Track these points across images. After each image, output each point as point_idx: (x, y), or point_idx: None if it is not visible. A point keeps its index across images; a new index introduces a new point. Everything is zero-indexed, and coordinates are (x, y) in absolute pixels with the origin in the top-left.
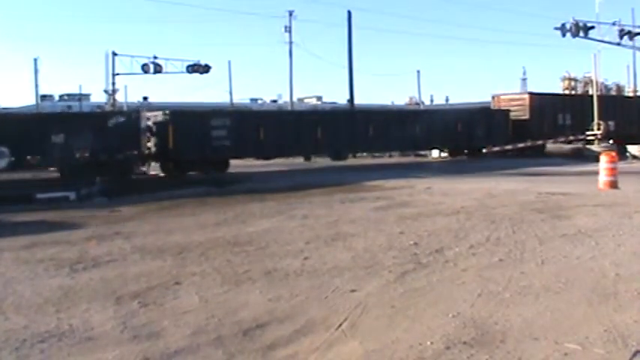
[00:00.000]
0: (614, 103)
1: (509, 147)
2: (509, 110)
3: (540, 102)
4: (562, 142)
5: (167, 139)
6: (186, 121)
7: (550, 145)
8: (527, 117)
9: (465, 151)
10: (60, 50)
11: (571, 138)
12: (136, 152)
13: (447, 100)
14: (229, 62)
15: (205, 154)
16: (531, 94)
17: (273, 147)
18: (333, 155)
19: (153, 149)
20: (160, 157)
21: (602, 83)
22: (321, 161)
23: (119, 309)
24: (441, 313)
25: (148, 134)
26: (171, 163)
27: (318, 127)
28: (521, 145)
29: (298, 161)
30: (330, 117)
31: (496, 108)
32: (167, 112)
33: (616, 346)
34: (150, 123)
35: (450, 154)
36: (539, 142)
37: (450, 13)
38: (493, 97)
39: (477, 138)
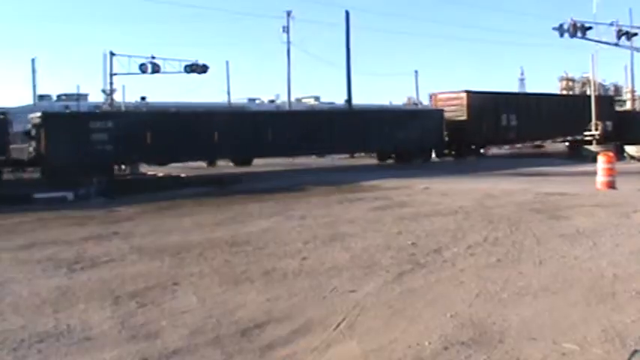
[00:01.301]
0: (549, 102)
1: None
2: (442, 110)
3: (480, 101)
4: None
5: (40, 143)
6: (62, 124)
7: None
8: (464, 117)
9: (392, 155)
10: (58, 50)
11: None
12: (3, 158)
13: None
14: (227, 62)
15: (84, 160)
16: (469, 92)
17: (163, 152)
18: (234, 159)
19: (33, 154)
20: (38, 162)
21: (600, 83)
22: (223, 164)
23: (117, 309)
24: (438, 313)
25: (28, 138)
26: (47, 169)
27: (215, 130)
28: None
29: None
30: (231, 118)
31: (433, 108)
32: (41, 114)
33: (614, 346)
34: (30, 126)
35: (379, 159)
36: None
37: (448, 13)
38: (431, 97)
39: (405, 141)
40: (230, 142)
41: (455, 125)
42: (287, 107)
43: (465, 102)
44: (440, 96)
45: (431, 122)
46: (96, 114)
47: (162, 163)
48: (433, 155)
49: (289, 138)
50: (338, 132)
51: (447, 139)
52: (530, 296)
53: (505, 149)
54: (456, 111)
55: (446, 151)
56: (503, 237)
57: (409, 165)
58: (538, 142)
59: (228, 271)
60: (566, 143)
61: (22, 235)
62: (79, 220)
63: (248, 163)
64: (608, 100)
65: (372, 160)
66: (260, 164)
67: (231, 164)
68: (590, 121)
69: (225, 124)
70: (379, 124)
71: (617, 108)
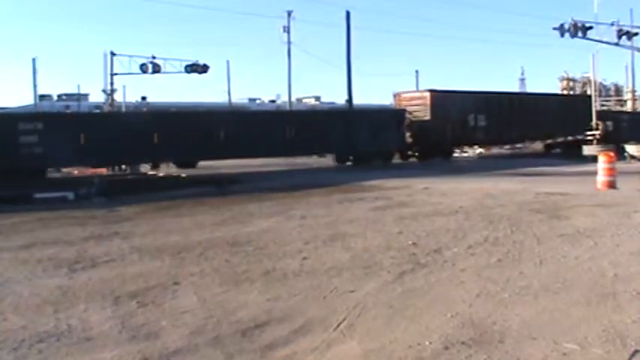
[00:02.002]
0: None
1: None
2: (404, 110)
3: (445, 100)
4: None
5: None
6: None
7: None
8: (428, 118)
9: (350, 157)
10: (59, 50)
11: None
12: None
13: None
14: (228, 62)
15: (11, 164)
16: (432, 91)
17: (98, 154)
18: (177, 162)
19: None
20: None
21: (601, 83)
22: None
23: (117, 309)
24: (439, 313)
25: None
26: None
27: (155, 131)
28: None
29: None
30: (171, 119)
31: (394, 108)
32: None
33: (614, 346)
34: None
35: (337, 160)
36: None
37: (449, 13)
38: (395, 96)
39: (364, 142)
40: (172, 143)
41: (418, 126)
42: (287, 107)
43: (428, 101)
44: (404, 95)
45: (391, 122)
46: (24, 115)
47: (96, 166)
48: (397, 157)
49: (242, 139)
50: (295, 133)
51: (410, 140)
52: (530, 296)
53: (493, 151)
54: (420, 111)
55: (410, 153)
56: (503, 237)
57: (369, 167)
58: (524, 144)
59: (229, 271)
60: (542, 144)
61: (23, 234)
62: (79, 220)
63: (192, 165)
64: (584, 100)
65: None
66: (260, 164)
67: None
68: (571, 121)
69: (167, 124)
70: (337, 124)
71: (600, 108)
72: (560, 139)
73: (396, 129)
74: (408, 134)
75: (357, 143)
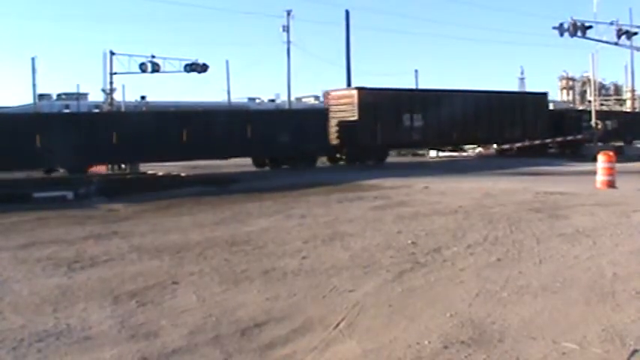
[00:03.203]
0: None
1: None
2: (327, 109)
3: (374, 99)
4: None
5: None
6: None
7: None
8: (355, 117)
9: (267, 160)
10: (58, 49)
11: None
12: None
13: None
14: (227, 61)
15: None
16: (360, 89)
17: None
18: (67, 167)
19: None
20: None
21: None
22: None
23: (117, 308)
24: (438, 312)
25: None
26: None
27: (36, 134)
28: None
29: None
30: (60, 120)
31: (316, 107)
32: None
33: (614, 345)
34: None
35: (255, 164)
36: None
37: (449, 12)
38: (324, 94)
39: (281, 144)
40: (58, 147)
41: (346, 126)
42: (287, 106)
43: (355, 100)
44: (332, 94)
45: (314, 123)
46: None
47: None
48: (324, 160)
49: (137, 142)
50: (205, 134)
51: (338, 141)
52: (529, 295)
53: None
54: (347, 110)
55: (338, 156)
56: (503, 236)
57: (293, 170)
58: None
59: (228, 270)
60: (495, 146)
61: (22, 234)
62: (78, 220)
63: (81, 170)
64: (541, 99)
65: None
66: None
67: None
68: (530, 121)
69: (52, 127)
70: (255, 124)
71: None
72: (528, 142)
73: (319, 130)
74: (336, 135)
75: (276, 145)
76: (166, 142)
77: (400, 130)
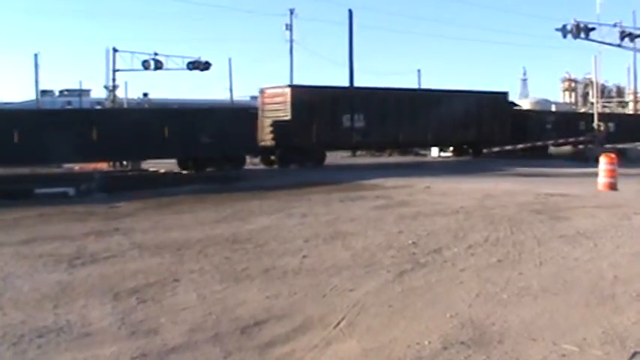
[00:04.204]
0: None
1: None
2: (255, 108)
3: (309, 97)
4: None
5: None
6: None
7: None
8: (288, 117)
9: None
10: (61, 46)
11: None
12: None
13: None
14: (230, 59)
15: None
16: (293, 87)
17: None
18: None
19: None
20: None
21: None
22: None
23: (117, 305)
24: (438, 312)
25: None
26: None
27: None
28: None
29: None
30: None
31: (247, 106)
32: None
33: (614, 347)
34: None
35: (180, 166)
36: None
37: (452, 13)
38: (260, 91)
39: (204, 145)
40: None
41: (280, 126)
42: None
43: (288, 99)
44: (267, 91)
45: (240, 122)
46: None
47: None
48: (257, 161)
49: (43, 142)
50: (117, 133)
51: (273, 142)
52: (530, 297)
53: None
54: (281, 109)
55: (272, 158)
56: (503, 237)
57: (218, 174)
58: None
59: (229, 268)
60: (451, 148)
61: (23, 230)
62: (80, 216)
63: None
64: (500, 99)
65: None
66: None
67: None
68: (484, 123)
69: None
70: (172, 124)
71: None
72: (507, 147)
73: (247, 130)
74: (270, 136)
75: (199, 146)
76: (74, 141)
77: (339, 130)
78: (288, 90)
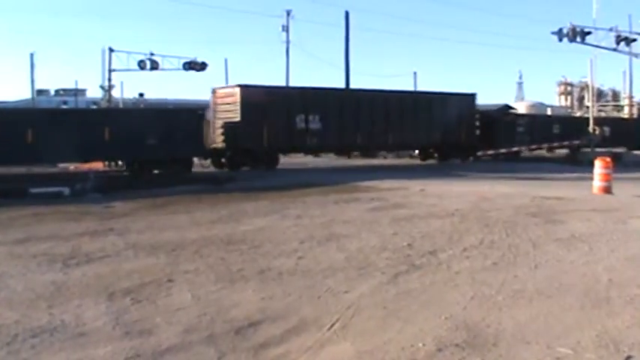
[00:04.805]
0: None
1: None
2: (202, 109)
3: (261, 98)
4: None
5: None
6: None
7: None
8: (238, 118)
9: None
10: (57, 45)
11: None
12: None
13: None
14: (226, 60)
15: None
16: (243, 86)
17: None
18: None
19: None
20: None
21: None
22: None
23: (111, 305)
24: (433, 315)
25: None
26: None
27: None
28: None
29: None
30: None
31: (194, 107)
32: None
33: (608, 351)
34: None
35: (127, 169)
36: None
37: (449, 16)
38: (212, 92)
39: (148, 147)
40: None
41: (230, 128)
42: None
43: (238, 99)
44: (218, 92)
45: (187, 123)
46: None
47: None
48: (208, 164)
49: None
50: (54, 134)
51: (223, 144)
52: (525, 300)
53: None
54: (231, 110)
55: (223, 160)
56: (499, 240)
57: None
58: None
59: (224, 269)
60: (416, 152)
61: (18, 229)
62: (74, 216)
63: None
64: (467, 101)
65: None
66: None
67: None
68: (449, 125)
69: None
70: (113, 125)
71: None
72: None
73: (194, 131)
74: (221, 138)
75: (142, 148)
76: (7, 143)
77: (292, 132)
78: (237, 90)
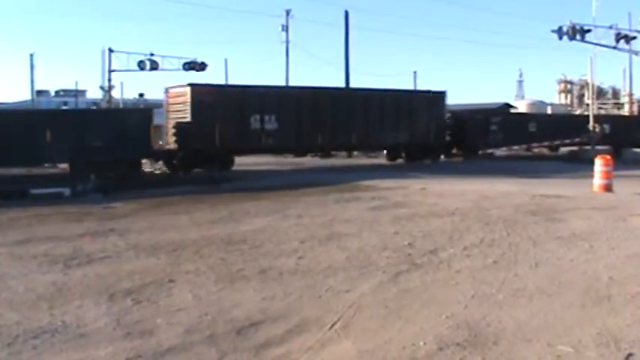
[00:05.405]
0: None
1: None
2: (151, 110)
3: (214, 98)
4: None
5: None
6: None
7: None
8: (188, 118)
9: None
10: (57, 46)
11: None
12: None
13: None
14: (226, 60)
15: None
16: (194, 85)
17: None
18: None
19: None
20: None
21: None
22: None
23: (112, 306)
24: (434, 314)
25: None
26: None
27: None
28: None
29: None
30: None
31: (144, 107)
32: None
33: (609, 349)
34: None
35: (73, 171)
36: None
37: (448, 15)
38: (165, 91)
39: (96, 149)
40: None
41: (181, 128)
42: None
43: (188, 99)
44: (171, 91)
45: (134, 124)
46: None
47: None
48: (159, 166)
49: None
50: None
51: (175, 145)
52: (525, 298)
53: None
54: (182, 110)
55: (175, 162)
56: (499, 239)
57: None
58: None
59: (224, 269)
60: (384, 152)
61: (19, 230)
62: (75, 216)
63: None
64: (436, 99)
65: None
66: (256, 162)
67: None
68: (417, 124)
69: None
70: (54, 127)
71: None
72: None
73: (141, 132)
74: (173, 139)
75: (88, 150)
76: None
77: (247, 133)
78: (187, 89)
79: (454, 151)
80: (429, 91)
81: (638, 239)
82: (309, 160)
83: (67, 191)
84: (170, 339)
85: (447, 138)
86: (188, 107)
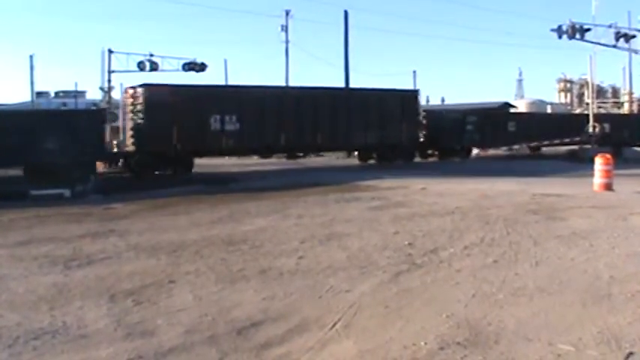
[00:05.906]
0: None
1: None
2: (104, 110)
3: (170, 98)
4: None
5: None
6: None
7: None
8: (144, 120)
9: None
10: (56, 47)
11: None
12: None
13: (442, 100)
14: (225, 61)
15: None
16: (150, 86)
17: None
18: None
19: None
20: None
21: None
22: None
23: (113, 307)
24: (434, 313)
25: None
26: None
27: None
28: None
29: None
30: None
31: (97, 108)
32: None
33: (609, 347)
34: None
35: (30, 179)
36: None
37: (448, 14)
38: (124, 91)
39: (45, 152)
40: None
41: (137, 130)
42: None
43: (142, 99)
44: (129, 91)
45: (88, 126)
46: None
47: None
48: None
49: None
50: None
51: (133, 147)
52: (526, 297)
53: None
54: (139, 111)
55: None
56: (499, 238)
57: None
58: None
59: (225, 269)
60: (356, 153)
61: (19, 231)
62: (75, 217)
63: None
64: (408, 99)
65: None
66: (258, 162)
67: None
68: (389, 125)
69: None
70: (6, 128)
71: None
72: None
73: (95, 134)
74: (131, 141)
75: (38, 153)
76: None
77: (206, 134)
78: (141, 90)
79: (429, 151)
80: (400, 90)
81: (639, 238)
82: (278, 162)
83: (67, 192)
84: (171, 339)
85: (421, 139)
86: (143, 108)
